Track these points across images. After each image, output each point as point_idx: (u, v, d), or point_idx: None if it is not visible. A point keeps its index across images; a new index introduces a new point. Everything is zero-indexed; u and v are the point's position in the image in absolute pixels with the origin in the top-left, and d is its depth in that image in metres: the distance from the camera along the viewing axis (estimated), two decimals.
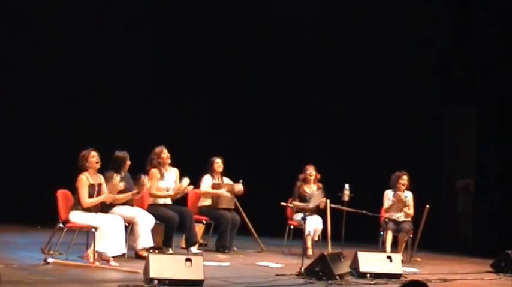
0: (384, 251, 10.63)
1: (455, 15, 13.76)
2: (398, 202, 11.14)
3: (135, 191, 9.65)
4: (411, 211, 11.28)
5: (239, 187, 11.15)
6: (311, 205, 10.80)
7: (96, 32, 13.67)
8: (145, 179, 9.80)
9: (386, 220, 11.14)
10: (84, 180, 9.14)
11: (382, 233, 11.17)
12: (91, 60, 13.53)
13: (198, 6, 14.36)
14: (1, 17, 13.13)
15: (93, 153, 9.25)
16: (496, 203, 13.39)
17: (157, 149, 10.45)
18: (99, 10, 13.72)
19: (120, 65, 13.76)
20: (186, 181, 10.38)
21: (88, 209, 9.13)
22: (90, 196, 9.15)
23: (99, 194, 9.25)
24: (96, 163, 9.26)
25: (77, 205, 9.13)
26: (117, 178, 9.39)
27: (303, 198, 11.23)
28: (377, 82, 14.12)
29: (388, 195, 11.29)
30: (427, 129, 13.92)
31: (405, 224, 11.07)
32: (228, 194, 11.04)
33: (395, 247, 11.01)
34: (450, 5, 13.82)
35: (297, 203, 11.29)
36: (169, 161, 10.49)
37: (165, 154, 10.44)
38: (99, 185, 9.29)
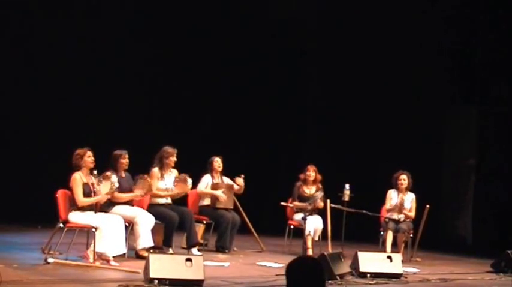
0: (384, 251, 10.64)
1: (457, 16, 13.75)
2: (402, 205, 11.16)
3: (138, 193, 9.66)
4: (412, 213, 11.28)
5: (239, 181, 11.11)
6: (309, 207, 10.82)
7: (96, 33, 13.68)
8: (150, 181, 9.84)
9: (387, 219, 11.15)
10: (78, 179, 9.13)
11: (382, 233, 11.18)
12: (90, 61, 13.54)
13: (197, 7, 14.37)
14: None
15: (89, 153, 9.26)
16: (496, 202, 13.39)
17: (170, 150, 10.45)
18: (98, 13, 13.75)
19: (120, 66, 13.76)
20: (189, 181, 10.39)
21: (87, 209, 9.12)
22: (86, 194, 9.15)
23: (94, 193, 9.25)
24: (91, 163, 9.27)
25: (74, 205, 9.12)
26: (113, 178, 9.36)
27: (302, 198, 11.23)
28: (378, 82, 14.13)
29: (391, 195, 11.30)
30: (427, 129, 13.92)
31: (403, 225, 11.07)
32: (224, 196, 11.01)
33: (395, 247, 11.01)
34: (452, 6, 13.83)
35: (296, 203, 11.29)
36: (173, 164, 10.50)
37: (175, 157, 10.45)
38: (93, 184, 9.29)
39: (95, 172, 9.31)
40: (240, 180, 11.13)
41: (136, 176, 9.88)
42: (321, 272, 4.16)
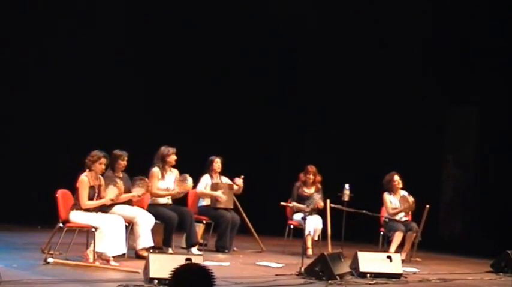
0: (385, 251, 10.63)
1: (457, 15, 13.75)
2: (405, 204, 11.15)
3: (135, 194, 9.67)
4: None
5: (239, 182, 11.12)
6: (307, 209, 10.84)
7: (96, 33, 13.69)
8: (149, 182, 9.84)
9: (386, 219, 11.14)
10: (85, 181, 9.13)
11: (382, 233, 11.17)
12: (90, 60, 13.54)
13: (197, 7, 14.37)
14: None
15: (104, 159, 9.26)
16: (497, 202, 13.39)
17: (171, 149, 10.45)
18: (98, 13, 13.76)
19: (120, 65, 13.76)
20: (189, 180, 10.39)
21: (88, 209, 9.13)
22: (90, 197, 9.15)
23: (98, 195, 9.25)
24: (101, 170, 9.28)
25: (77, 205, 9.13)
26: (119, 184, 9.37)
27: (302, 198, 11.23)
28: (378, 82, 14.12)
29: (389, 198, 11.27)
30: (427, 129, 13.92)
31: (413, 224, 11.09)
32: (224, 197, 11.02)
33: (401, 248, 11.00)
34: (450, 5, 13.82)
35: (296, 204, 11.29)
36: (174, 163, 10.50)
37: (174, 156, 10.45)
38: (99, 186, 9.29)
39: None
40: (239, 181, 11.13)
41: (134, 177, 9.88)
42: (210, 281, 3.70)
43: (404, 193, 11.28)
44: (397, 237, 10.92)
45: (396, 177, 11.23)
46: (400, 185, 11.23)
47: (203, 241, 11.02)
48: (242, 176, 11.14)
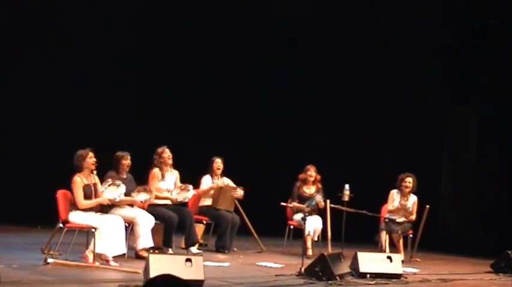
0: (384, 251, 10.64)
1: (457, 15, 13.75)
2: (405, 211, 11.17)
3: (140, 199, 9.65)
4: (413, 216, 11.28)
5: (239, 193, 11.14)
6: (307, 209, 10.84)
7: (96, 33, 13.69)
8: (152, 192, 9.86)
9: (386, 220, 11.14)
10: (79, 182, 9.11)
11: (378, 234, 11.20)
12: (90, 61, 13.54)
13: (197, 6, 14.37)
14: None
15: (91, 154, 9.24)
16: (496, 203, 13.39)
17: (159, 149, 10.47)
18: (97, 14, 13.77)
19: (120, 65, 13.76)
20: (191, 191, 10.41)
21: (87, 209, 9.12)
22: (88, 196, 9.13)
23: (95, 193, 9.24)
24: (93, 164, 9.25)
25: (75, 206, 9.12)
26: (121, 189, 9.36)
27: (302, 198, 11.23)
28: (378, 82, 14.12)
29: (394, 196, 11.29)
30: (428, 129, 13.92)
31: (395, 226, 11.06)
32: (224, 182, 11.02)
33: (393, 247, 11.03)
34: (450, 5, 13.82)
35: (296, 203, 11.29)
36: (170, 161, 10.49)
37: (167, 153, 10.45)
38: (95, 184, 9.28)
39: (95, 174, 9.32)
40: (240, 191, 11.13)
41: (138, 187, 9.85)
42: None
43: (414, 198, 11.26)
44: (381, 237, 10.96)
45: (408, 179, 11.23)
46: (409, 189, 11.22)
47: (203, 241, 11.03)
48: (242, 188, 11.15)
